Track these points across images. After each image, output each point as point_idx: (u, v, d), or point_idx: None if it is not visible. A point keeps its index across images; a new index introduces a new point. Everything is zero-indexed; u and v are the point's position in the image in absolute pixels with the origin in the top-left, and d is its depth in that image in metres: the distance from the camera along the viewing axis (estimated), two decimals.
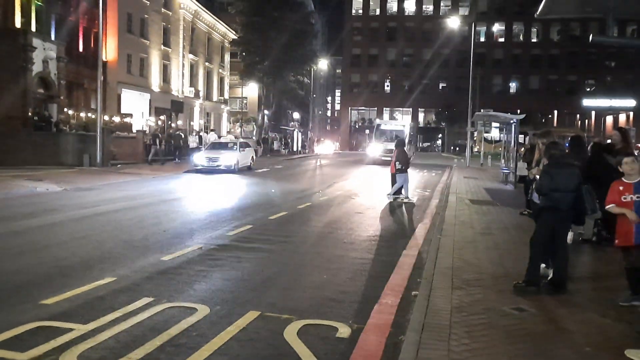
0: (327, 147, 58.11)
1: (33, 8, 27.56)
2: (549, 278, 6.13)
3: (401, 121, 41.01)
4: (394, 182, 15.09)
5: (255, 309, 5.40)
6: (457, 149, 66.92)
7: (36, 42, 25.69)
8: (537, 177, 6.66)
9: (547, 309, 5.34)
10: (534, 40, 75.99)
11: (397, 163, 14.81)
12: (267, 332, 4.84)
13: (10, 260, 7.20)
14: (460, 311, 5.14)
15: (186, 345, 4.48)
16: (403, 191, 14.99)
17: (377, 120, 43.42)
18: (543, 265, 6.22)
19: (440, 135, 79.55)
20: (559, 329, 4.81)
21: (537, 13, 6.64)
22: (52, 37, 28.37)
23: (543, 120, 69.50)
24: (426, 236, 9.68)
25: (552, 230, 5.95)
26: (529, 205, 9.74)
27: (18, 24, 26.18)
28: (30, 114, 25.26)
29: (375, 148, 35.49)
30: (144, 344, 4.45)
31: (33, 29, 26.95)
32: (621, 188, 5.38)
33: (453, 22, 52.88)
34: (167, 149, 30.00)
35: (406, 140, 30.77)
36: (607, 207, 5.46)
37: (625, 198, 5.31)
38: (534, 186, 6.74)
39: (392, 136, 33.26)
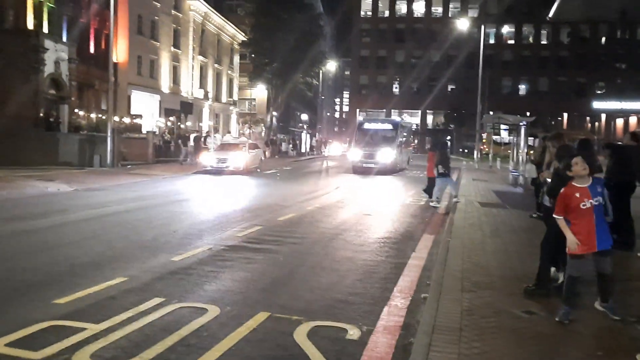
0: (335, 148, 58.07)
1: (45, 10, 27.84)
2: (559, 281, 6.10)
3: (391, 119, 32.80)
4: (432, 185, 14.81)
5: (265, 310, 5.43)
6: (466, 151, 66.70)
7: (48, 43, 25.93)
8: (548, 180, 6.63)
9: (557, 312, 5.31)
10: (544, 42, 75.62)
11: (439, 167, 14.22)
12: (277, 333, 4.86)
13: (23, 260, 7.27)
14: (471, 314, 5.14)
15: (197, 346, 4.51)
16: (452, 191, 14.78)
17: (360, 118, 35.85)
18: (553, 268, 6.20)
19: (448, 137, 79.38)
20: (570, 332, 4.80)
21: (549, 15, 6.63)
22: (64, 39, 28.63)
23: (552, 123, 69.11)
24: (435, 238, 9.67)
25: (562, 233, 5.92)
26: (539, 208, 9.70)
27: (30, 25, 26.45)
28: (41, 114, 25.48)
29: (355, 153, 28.32)
30: (155, 344, 4.48)
31: (45, 30, 27.23)
32: (578, 195, 5.00)
33: (462, 24, 52.72)
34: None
35: (398, 141, 27.90)
36: (556, 216, 5.14)
37: (584, 205, 4.97)
38: (544, 189, 6.71)
39: (377, 138, 27.96)
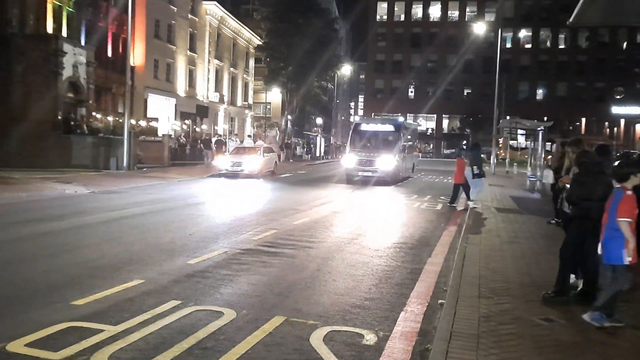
0: None
1: (64, 14, 28.21)
2: (579, 289, 6.03)
3: (393, 119, 29.80)
4: (457, 192, 15.38)
5: (281, 314, 5.43)
6: (482, 156, 66.25)
7: (67, 47, 26.23)
8: (567, 185, 6.56)
9: (576, 320, 5.25)
10: (562, 46, 75.02)
11: (474, 168, 14.60)
12: (293, 337, 4.86)
13: (42, 261, 7.35)
14: (488, 320, 5.09)
15: (214, 349, 4.52)
16: (471, 194, 15.01)
17: (357, 119, 29.73)
18: (573, 275, 6.12)
19: (464, 142, 78.94)
20: (590, 341, 4.73)
21: (570, 21, 6.57)
22: (82, 43, 28.95)
23: (570, 128, 68.46)
24: (451, 244, 9.61)
25: (582, 240, 5.86)
26: (558, 214, 9.60)
27: (50, 29, 26.82)
28: (60, 117, 25.79)
29: (349, 159, 24.29)
30: (173, 347, 4.50)
31: (64, 34, 27.57)
32: None
33: (479, 28, 52.48)
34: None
35: (401, 145, 24.30)
36: (627, 219, 4.98)
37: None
38: (564, 195, 6.64)
39: (376, 141, 24.42)
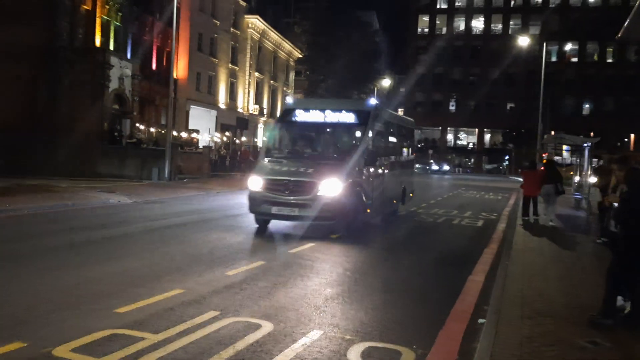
0: None
1: (112, 28, 29.26)
2: (626, 311, 5.81)
3: (356, 103, 19.69)
4: (530, 205, 15.27)
5: (318, 328, 5.41)
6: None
7: (113, 60, 27.12)
8: (615, 204, 6.36)
9: (624, 343, 5.05)
10: (609, 60, 73.02)
11: (558, 184, 14.22)
12: (330, 352, 4.83)
13: (87, 269, 7.55)
14: (531, 341, 4.95)
15: None
16: (550, 211, 14.59)
17: (288, 101, 14.40)
18: (620, 297, 5.90)
19: (507, 157, 77.49)
20: None
21: (618, 35, 6.40)
22: (128, 56, 29.91)
23: (618, 144, 66.27)
24: (493, 262, 9.40)
25: (630, 260, 5.65)
26: (605, 233, 9.29)
27: (98, 43, 27.84)
28: (105, 128, 26.60)
29: (255, 180, 11.74)
30: (211, 357, 4.54)
31: (111, 47, 28.59)
32: None
33: (523, 41, 51.64)
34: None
35: (370, 151, 12.30)
36: None
37: None
38: (611, 214, 6.44)
39: (321, 142, 13.45)
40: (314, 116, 12.95)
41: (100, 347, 4.63)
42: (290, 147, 13.26)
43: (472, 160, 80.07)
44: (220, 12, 43.04)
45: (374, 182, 12.77)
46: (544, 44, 39.27)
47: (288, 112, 13.25)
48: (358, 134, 12.74)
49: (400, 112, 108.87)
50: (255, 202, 11.51)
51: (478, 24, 77.44)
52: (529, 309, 5.99)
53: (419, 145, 76.28)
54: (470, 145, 79.85)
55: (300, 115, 13.01)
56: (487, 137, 78.20)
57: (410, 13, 79.12)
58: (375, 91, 63.11)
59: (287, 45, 57.34)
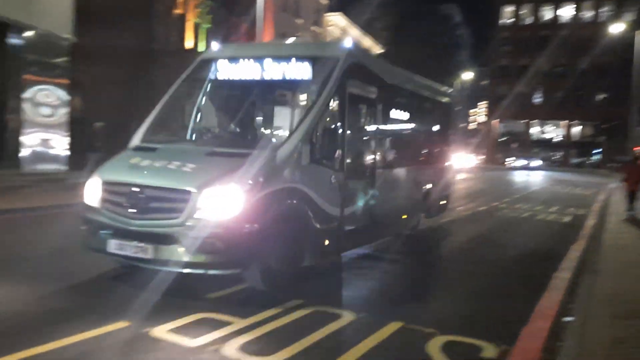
0: (465, 159, 56.15)
1: (202, 30, 31.01)
2: None
3: (311, 47, 8.67)
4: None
5: (399, 319, 5.47)
6: (620, 165, 60.96)
7: None
8: None
9: None
10: None
11: None
12: (410, 344, 4.89)
13: None
14: (621, 342, 4.77)
15: (331, 349, 4.68)
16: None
17: (213, 48, 8.38)
18: None
19: (596, 151, 73.24)
20: None
21: None
22: None
23: None
24: (580, 259, 9.04)
25: None
26: None
27: (190, 44, 29.69)
28: None
29: (92, 188, 6.29)
30: (294, 343, 4.72)
31: (202, 48, 30.30)
32: None
33: (616, 29, 48.54)
34: None
35: (314, 123, 6.45)
36: None
37: None
38: None
39: (246, 114, 8.00)
40: (244, 71, 7.56)
41: (193, 328, 4.95)
42: (193, 125, 7.90)
43: (559, 154, 76.13)
44: (302, 11, 43.77)
45: (349, 187, 7.18)
46: (638, 31, 36.73)
47: (203, 65, 8.27)
48: (313, 98, 6.88)
49: (480, 105, 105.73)
50: (89, 229, 6.22)
51: (566, 12, 73.63)
52: (619, 309, 5.75)
53: (501, 139, 73.50)
54: (555, 139, 76.12)
55: (222, 70, 7.84)
56: (575, 130, 74.29)
57: (494, 3, 76.50)
58: (458, 85, 61.63)
59: (367, 41, 57.26)
